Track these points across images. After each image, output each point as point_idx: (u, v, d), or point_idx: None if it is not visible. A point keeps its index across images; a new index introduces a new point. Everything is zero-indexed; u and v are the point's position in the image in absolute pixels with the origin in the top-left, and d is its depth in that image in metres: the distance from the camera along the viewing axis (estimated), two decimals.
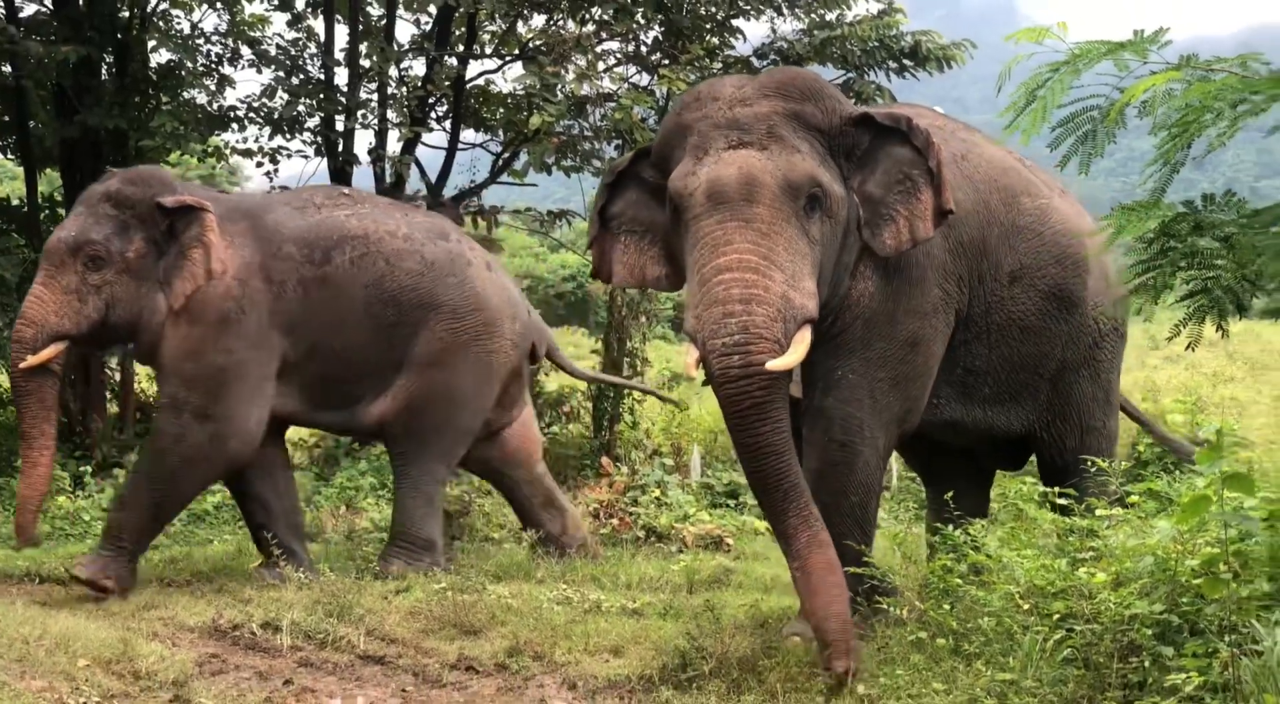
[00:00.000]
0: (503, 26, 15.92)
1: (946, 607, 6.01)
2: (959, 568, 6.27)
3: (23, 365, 8.52)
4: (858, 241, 6.93)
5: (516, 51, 15.77)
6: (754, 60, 14.67)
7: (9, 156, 16.85)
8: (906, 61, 14.26)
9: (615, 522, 11.01)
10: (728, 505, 12.23)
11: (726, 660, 6.55)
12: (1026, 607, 5.67)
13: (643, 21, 14.83)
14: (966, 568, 6.30)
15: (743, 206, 6.50)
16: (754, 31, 15.22)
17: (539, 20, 15.76)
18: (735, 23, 14.99)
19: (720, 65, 14.28)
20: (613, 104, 13.96)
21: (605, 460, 12.63)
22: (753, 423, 6.39)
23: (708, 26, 14.85)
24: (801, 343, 6.35)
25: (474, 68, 15.79)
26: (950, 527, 6.66)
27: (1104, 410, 8.29)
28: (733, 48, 15.11)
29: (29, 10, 15.19)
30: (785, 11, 14.76)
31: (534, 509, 9.97)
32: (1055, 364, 7.97)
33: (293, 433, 15.72)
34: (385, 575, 8.88)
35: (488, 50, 16.24)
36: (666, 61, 14.51)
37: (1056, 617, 5.46)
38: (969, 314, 7.43)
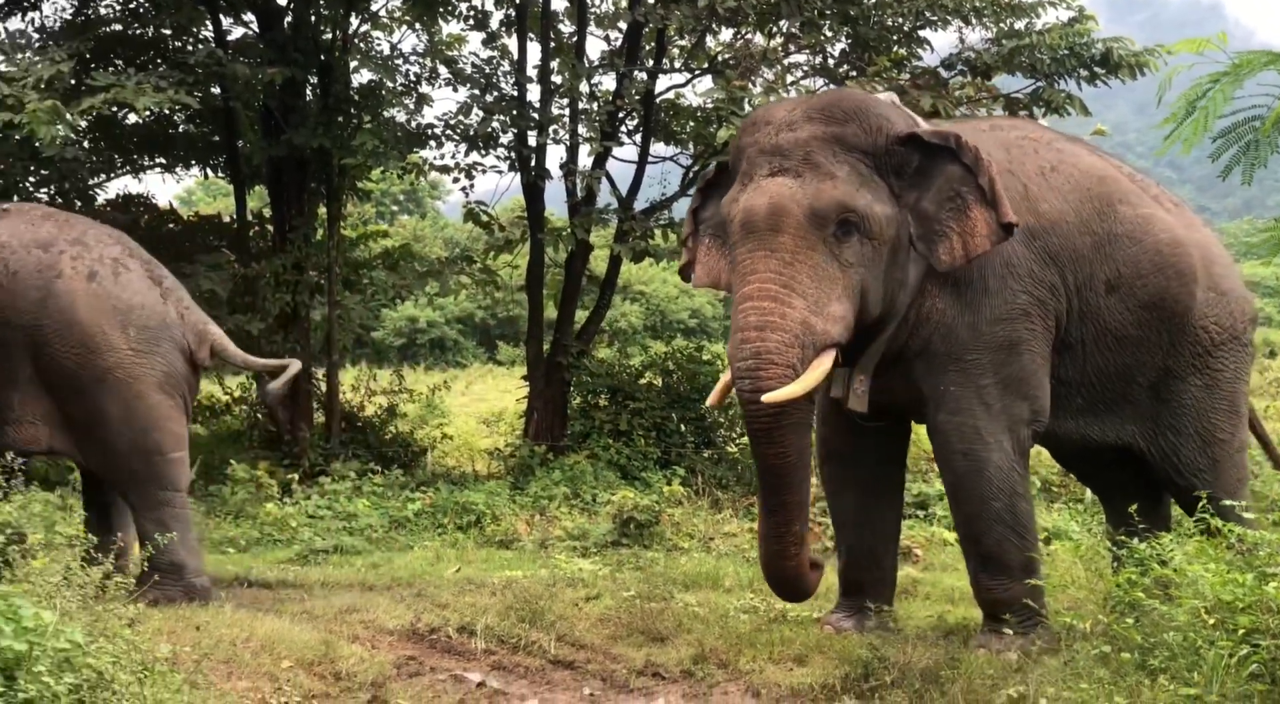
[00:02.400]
0: (691, 41, 16.06)
1: (1131, 621, 5.99)
2: (1144, 582, 6.25)
3: None
4: (912, 257, 7.11)
5: (705, 65, 15.91)
6: (941, 71, 14.60)
7: (219, 175, 17.40)
8: (1098, 69, 14.06)
9: None
10: (916, 516, 12.18)
11: (909, 671, 6.62)
12: (1212, 621, 5.63)
13: (830, 34, 14.89)
14: (1152, 582, 6.29)
15: (768, 236, 6.94)
16: (941, 42, 15.03)
17: (727, 34, 15.88)
18: (922, 33, 14.93)
19: (907, 76, 14.25)
20: None
21: None
22: (761, 444, 7.02)
23: (894, 38, 14.82)
24: (818, 368, 6.79)
25: (663, 82, 15.95)
26: (1135, 540, 6.65)
27: (1228, 421, 7.97)
28: (920, 58, 15.07)
29: (236, 34, 15.79)
30: (973, 21, 14.67)
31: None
32: (1155, 372, 7.77)
33: (489, 442, 16.14)
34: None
35: (677, 64, 16.40)
36: (854, 73, 14.52)
37: (1242, 632, 5.41)
38: (1068, 323, 7.48)
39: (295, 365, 9.16)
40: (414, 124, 15.61)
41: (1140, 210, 7.64)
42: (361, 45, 15.68)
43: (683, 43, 16.37)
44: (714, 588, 9.15)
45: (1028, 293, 7.28)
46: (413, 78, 15.63)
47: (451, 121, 15.49)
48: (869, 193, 6.97)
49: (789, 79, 15.06)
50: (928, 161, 7.10)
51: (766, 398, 6.67)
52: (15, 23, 15.17)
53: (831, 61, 15.23)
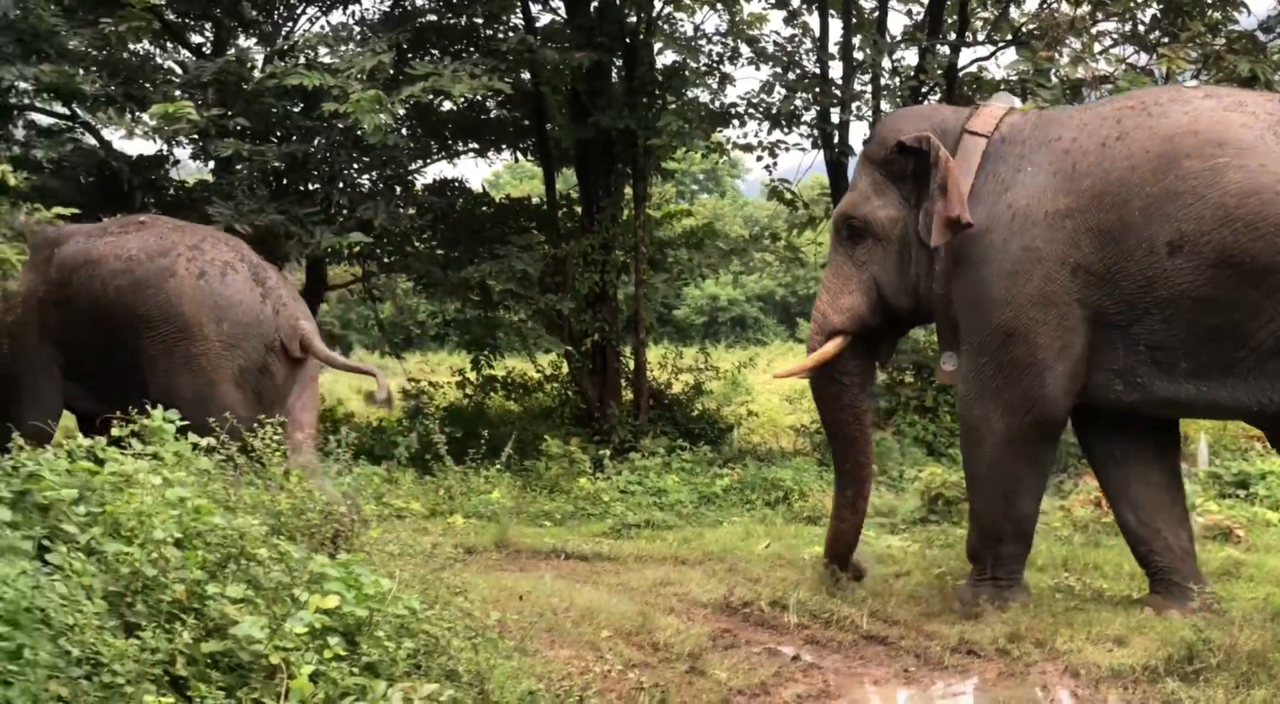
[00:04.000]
0: (995, 12, 15.84)
1: None
2: None
3: None
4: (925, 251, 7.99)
5: (1009, 37, 15.64)
6: (1259, 34, 14.04)
7: (529, 158, 17.84)
8: None
9: None
10: (1237, 496, 11.80)
11: (1235, 654, 6.46)
12: None
13: (1140, 0, 14.47)
14: None
15: None
16: (1259, 4, 14.41)
17: (1032, 4, 15.62)
18: None
19: (1223, 41, 13.77)
20: (1110, 86, 13.65)
21: None
22: (818, 409, 8.74)
23: (1209, 1, 14.31)
24: (820, 352, 8.23)
25: (966, 55, 15.78)
26: None
27: None
28: (1235, 22, 14.47)
29: (544, 20, 16.17)
30: None
31: None
32: (1272, 336, 7.10)
33: (793, 419, 16.21)
34: None
35: (980, 37, 16.18)
36: (1165, 40, 14.09)
37: None
38: (1124, 294, 7.31)
39: (378, 374, 10.03)
40: (717, 104, 15.76)
41: (1211, 162, 7.08)
42: (665, 27, 15.87)
43: (986, 14, 16.16)
44: (1028, 567, 9.01)
45: (1044, 277, 7.43)
46: (715, 58, 15.77)
47: (754, 100, 15.60)
48: (877, 200, 8.16)
49: (1097, 48, 14.68)
50: (919, 165, 7.92)
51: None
52: (338, 16, 15.82)
53: (1141, 28, 14.79)
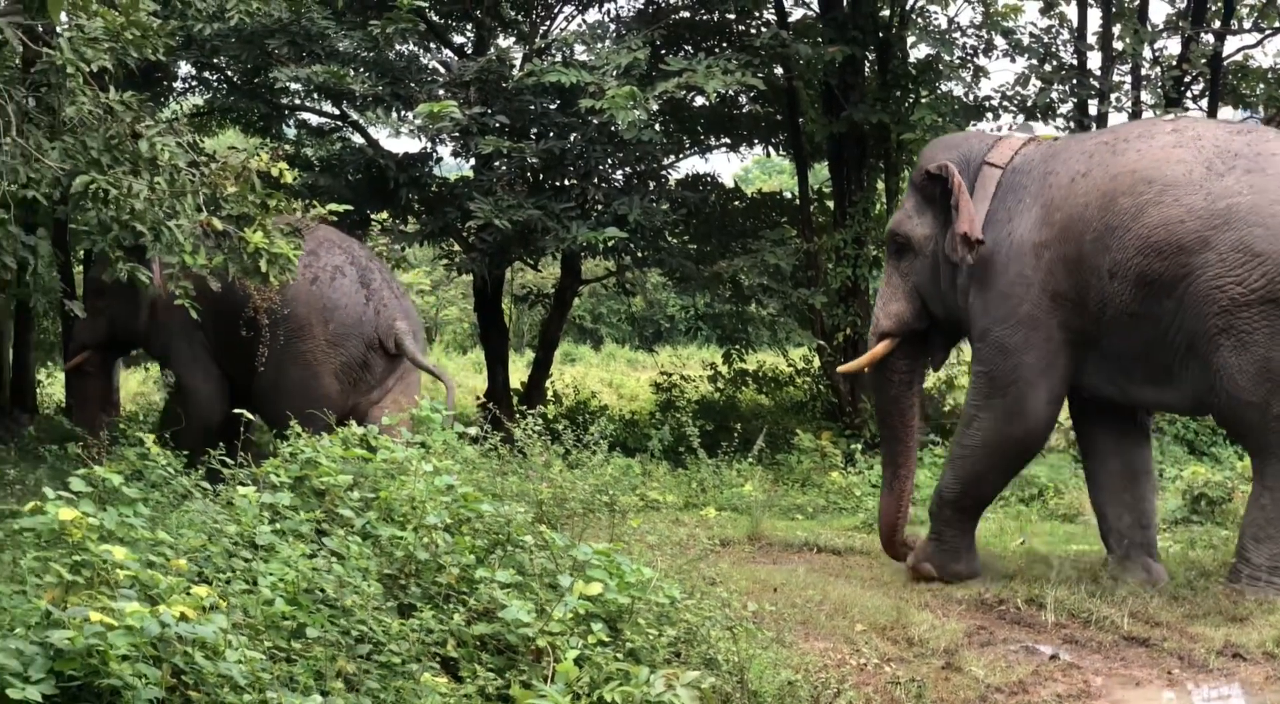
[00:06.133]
0: None
1: None
2: None
3: None
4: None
5: (1277, 24, 15.15)
6: None
7: (781, 152, 17.88)
8: None
9: None
10: None
11: None
12: None
13: None
14: None
15: None
16: None
17: None
18: None
19: None
20: None
21: None
22: (874, 399, 10.17)
23: None
24: (870, 352, 9.25)
25: (1232, 43, 15.34)
26: None
27: (1255, 383, 7.86)
28: None
29: (797, 15, 16.21)
30: None
31: None
32: (1183, 338, 8.07)
33: None
34: None
35: (1246, 24, 15.71)
36: None
37: None
38: (1090, 314, 8.30)
39: (449, 383, 10.96)
40: (971, 97, 15.57)
41: (1139, 199, 8.07)
42: (918, 20, 15.77)
43: (1253, 1, 15.66)
44: None
45: (1031, 302, 8.44)
46: (969, 50, 15.60)
47: (1009, 93, 15.41)
48: (916, 218, 9.03)
49: None
50: (944, 189, 8.74)
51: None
52: (593, 14, 16.11)
53: None
